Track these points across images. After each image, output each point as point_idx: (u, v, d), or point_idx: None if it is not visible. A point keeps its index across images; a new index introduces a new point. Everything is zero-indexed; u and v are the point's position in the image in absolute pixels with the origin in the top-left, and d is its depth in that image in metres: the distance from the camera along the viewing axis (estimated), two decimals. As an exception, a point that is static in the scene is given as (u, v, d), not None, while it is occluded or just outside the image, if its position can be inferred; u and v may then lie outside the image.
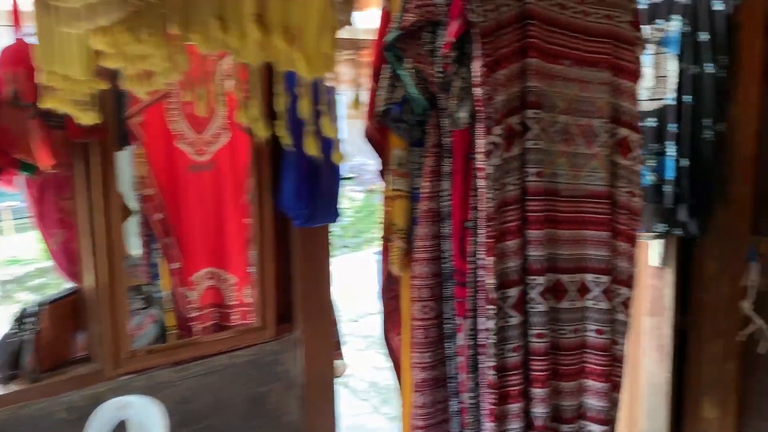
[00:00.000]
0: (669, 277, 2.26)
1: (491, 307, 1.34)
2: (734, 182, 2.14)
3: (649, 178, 2.15)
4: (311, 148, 1.14)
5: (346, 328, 4.73)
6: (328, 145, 1.73)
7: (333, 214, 2.18)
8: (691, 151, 2.08)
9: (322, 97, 1.18)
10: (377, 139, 1.50)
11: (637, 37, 1.47)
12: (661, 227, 2.17)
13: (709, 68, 2.03)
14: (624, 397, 2.41)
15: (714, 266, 2.22)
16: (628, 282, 1.54)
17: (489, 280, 1.34)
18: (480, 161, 1.32)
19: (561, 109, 1.41)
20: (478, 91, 1.29)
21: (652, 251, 2.29)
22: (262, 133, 1.20)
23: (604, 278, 1.49)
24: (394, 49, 1.35)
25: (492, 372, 1.34)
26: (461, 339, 1.41)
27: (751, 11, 2.05)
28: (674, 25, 2.07)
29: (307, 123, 1.13)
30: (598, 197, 1.48)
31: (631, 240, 1.53)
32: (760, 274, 2.17)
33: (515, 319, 1.38)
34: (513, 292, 1.37)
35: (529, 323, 1.40)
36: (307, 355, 2.25)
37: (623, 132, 1.50)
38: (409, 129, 1.44)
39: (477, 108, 1.31)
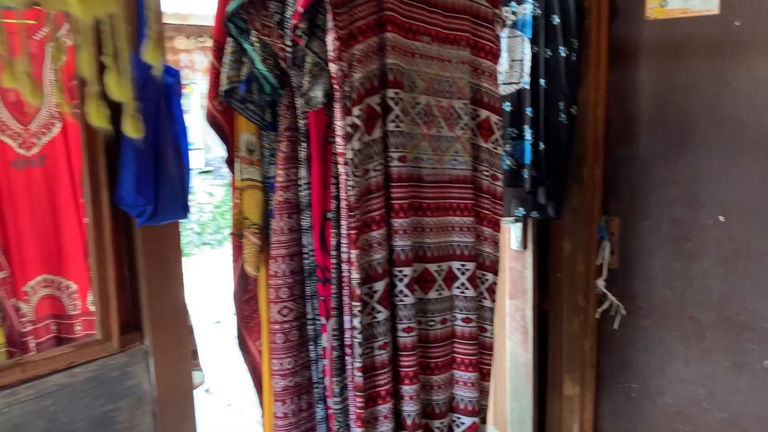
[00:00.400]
0: (528, 259, 2.29)
1: (357, 304, 1.23)
2: (586, 164, 2.20)
3: (507, 163, 2.15)
4: (130, 128, 0.96)
5: (208, 330, 4.47)
6: (174, 130, 1.54)
7: (182, 209, 1.96)
8: (547, 134, 2.10)
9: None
10: (221, 122, 1.34)
11: (495, 15, 1.43)
12: (520, 211, 2.19)
13: (562, 52, 2.05)
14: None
15: (570, 246, 2.28)
16: (493, 267, 1.50)
17: (354, 274, 1.23)
18: (339, 145, 1.20)
19: (422, 89, 1.32)
20: (333, 68, 1.17)
21: (512, 235, 2.31)
22: (93, 115, 1.00)
23: (470, 265, 1.43)
24: (236, 19, 1.19)
25: (359, 374, 1.24)
26: (325, 340, 1.30)
27: (597, -4, 2.11)
28: (527, 8, 2.08)
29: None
30: (462, 182, 1.42)
31: (495, 225, 1.49)
32: (611, 252, 2.26)
33: (382, 315, 1.28)
34: (379, 285, 1.27)
35: (397, 317, 1.32)
36: (160, 366, 2.03)
37: (484, 114, 1.45)
38: (258, 111, 1.30)
39: (333, 86, 1.19)
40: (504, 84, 2.13)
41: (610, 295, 2.25)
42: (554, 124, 2.10)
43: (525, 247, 2.31)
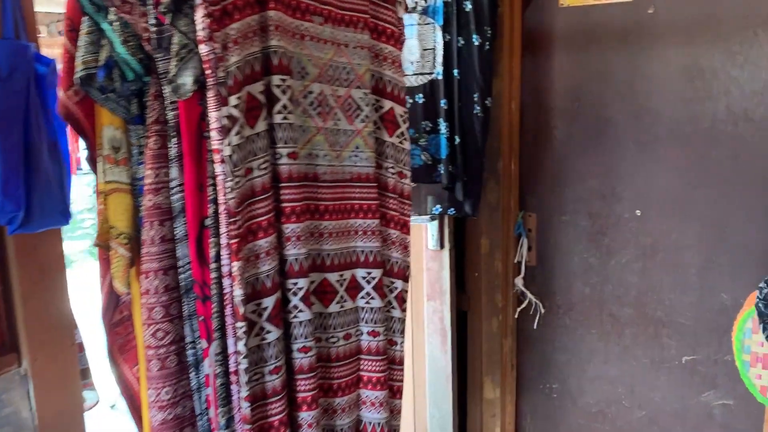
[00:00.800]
0: (446, 259, 2.18)
1: (241, 324, 1.07)
2: (502, 158, 2.11)
3: (422, 158, 2.03)
4: None
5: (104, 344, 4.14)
6: (50, 125, 1.32)
7: (61, 214, 1.72)
8: (463, 127, 1.99)
9: None
10: (78, 115, 1.14)
11: (397, -5, 1.28)
12: (437, 208, 2.07)
13: (475, 40, 1.94)
14: (408, 387, 2.33)
15: (487, 244, 2.19)
16: (402, 274, 1.36)
17: (237, 290, 1.06)
18: (215, 141, 1.03)
19: (314, 77, 1.17)
20: (204, 49, 1.00)
21: (428, 234, 2.19)
22: None
23: (376, 272, 1.29)
24: (88, -8, 1.00)
25: (246, 404, 1.07)
26: (208, 366, 1.12)
27: (510, -18, 2.01)
28: (438, -6, 1.95)
29: None
30: (365, 181, 1.27)
31: (403, 227, 1.35)
32: (529, 248, 2.18)
33: (273, 335, 1.12)
34: (269, 301, 1.11)
35: (292, 336, 1.16)
36: (41, 391, 1.79)
37: (388, 105, 1.31)
38: (122, 101, 1.11)
39: (205, 72, 1.01)
40: (416, 74, 2.01)
41: (528, 293, 2.17)
42: (469, 116, 1.99)
43: (442, 246, 2.20)
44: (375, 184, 1.29)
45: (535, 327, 2.19)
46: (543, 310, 2.18)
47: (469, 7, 1.93)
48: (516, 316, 2.21)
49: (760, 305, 1.44)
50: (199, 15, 0.99)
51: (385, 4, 1.28)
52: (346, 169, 1.24)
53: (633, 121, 1.94)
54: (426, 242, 2.21)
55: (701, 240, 1.88)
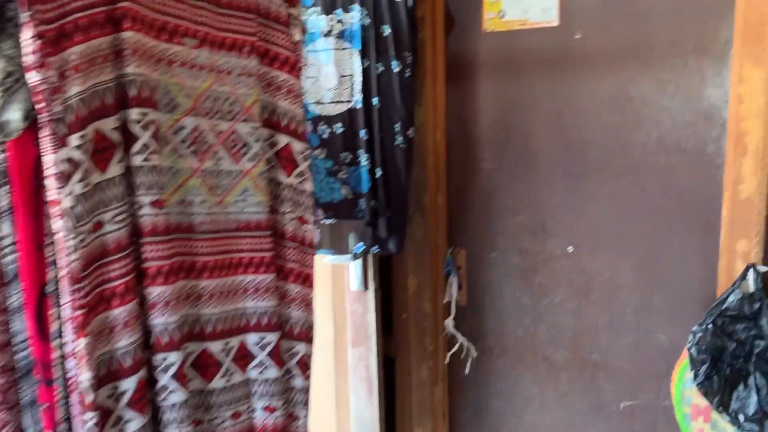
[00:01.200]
0: (371, 301, 2.01)
1: (91, 415, 0.86)
2: (428, 192, 1.96)
3: (342, 192, 1.87)
4: None
5: None
6: None
7: None
8: (385, 159, 1.84)
9: None
10: None
11: (291, 16, 1.12)
12: (359, 246, 1.90)
13: (395, 66, 1.80)
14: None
15: (415, 284, 2.03)
16: (306, 335, 1.18)
17: (84, 373, 0.86)
18: (52, 190, 0.83)
19: (187, 109, 0.98)
20: (34, 78, 0.80)
21: (351, 274, 2.02)
22: None
23: (272, 336, 1.11)
24: None
25: None
26: (53, 466, 0.91)
27: (432, 5, 1.88)
28: (354, 17, 1.81)
29: None
30: (255, 229, 1.09)
31: (306, 280, 1.17)
32: (459, 287, 2.03)
33: (136, 423, 0.91)
34: (129, 383, 0.91)
35: (162, 423, 0.96)
36: None
37: (283, 140, 1.13)
38: (-59, 141, 0.89)
39: (37, 105, 0.82)
40: (334, 102, 1.85)
41: (459, 335, 2.02)
42: (391, 147, 1.84)
43: (366, 287, 2.02)
44: (269, 233, 1.11)
45: (467, 372, 2.04)
46: (475, 354, 2.02)
47: (387, 31, 1.79)
48: (447, 360, 2.05)
49: (693, 351, 1.32)
50: (27, 36, 0.79)
51: (277, 26, 1.11)
52: (232, 217, 1.06)
53: (562, 153, 1.83)
54: (349, 283, 2.04)
55: (636, 278, 1.78)
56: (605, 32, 1.72)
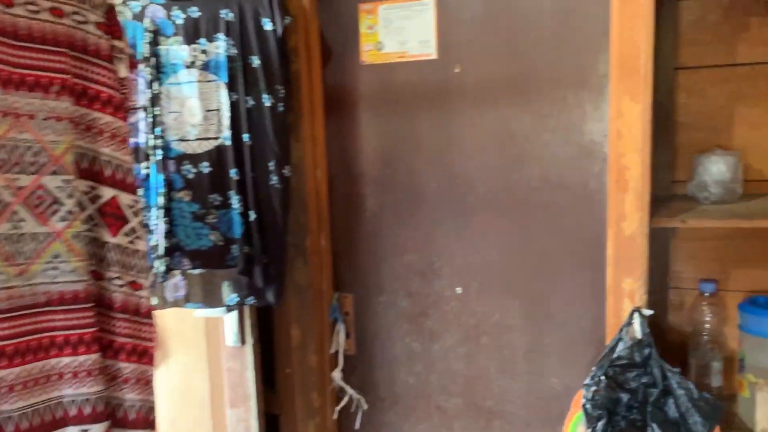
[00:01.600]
0: (249, 356, 1.83)
1: None
2: (310, 234, 1.82)
3: (211, 238, 1.69)
4: None
5: None
6: None
7: None
8: (259, 201, 1.69)
9: None
10: None
11: (115, 49, 0.95)
12: (232, 298, 1.73)
13: (267, 100, 1.66)
14: None
15: (299, 334, 1.87)
16: (145, 420, 1.00)
17: None
18: None
19: (-32, 163, 0.80)
20: None
21: (226, 328, 1.83)
22: None
23: (97, 428, 0.92)
24: None
25: None
26: None
27: (305, 35, 1.76)
28: (219, 46, 1.66)
29: None
30: (71, 302, 0.91)
31: (143, 356, 1.00)
32: (346, 335, 1.89)
33: None
34: None
35: None
36: None
37: (108, 193, 0.96)
38: None
39: None
40: (200, 139, 1.68)
41: (348, 388, 1.88)
42: (266, 188, 1.70)
43: (244, 341, 1.85)
44: (90, 305, 0.93)
45: (357, 427, 1.89)
46: (365, 406, 1.89)
47: (257, 62, 1.65)
48: (335, 416, 1.90)
49: (588, 406, 1.24)
50: None
51: (97, 60, 0.94)
52: (39, 289, 0.88)
53: (448, 190, 1.74)
54: (224, 338, 1.85)
55: (526, 319, 1.71)
56: (484, 66, 1.66)
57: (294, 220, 1.79)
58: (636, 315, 1.29)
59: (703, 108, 1.59)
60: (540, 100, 1.62)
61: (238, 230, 1.68)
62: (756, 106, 1.56)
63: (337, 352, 1.88)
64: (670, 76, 1.61)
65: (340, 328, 1.89)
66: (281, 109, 1.69)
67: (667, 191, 1.66)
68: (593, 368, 1.30)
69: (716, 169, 1.43)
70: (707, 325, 1.52)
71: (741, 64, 1.53)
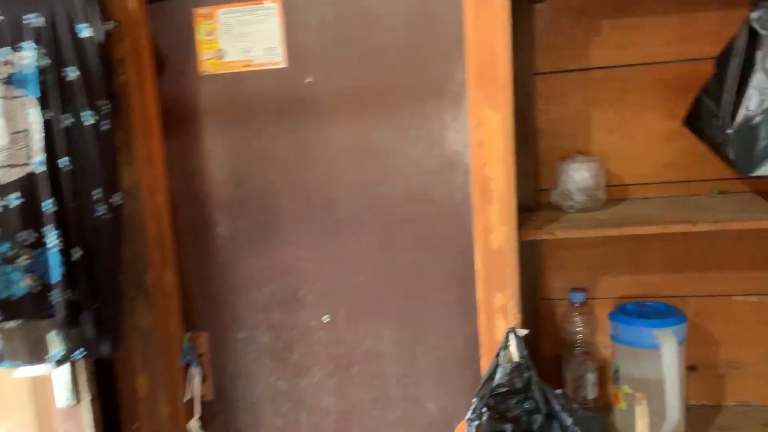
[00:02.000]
0: (86, 415, 1.57)
1: None
2: (152, 269, 1.59)
3: (26, 283, 1.42)
4: None
5: None
6: None
7: None
8: (83, 236, 1.44)
9: None
10: None
11: None
12: (57, 353, 1.46)
13: (88, 118, 1.43)
14: None
15: (146, 384, 1.63)
16: None
17: None
18: None
19: None
20: None
21: (56, 387, 1.56)
22: None
23: None
24: None
25: None
26: None
27: (134, 42, 1.54)
28: (28, 56, 1.40)
29: None
30: None
31: None
32: (203, 379, 1.68)
33: None
34: None
35: None
36: None
37: None
38: None
39: None
40: (6, 167, 1.41)
41: (211, 438, 1.67)
42: (91, 220, 1.45)
43: (78, 399, 1.58)
44: None
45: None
46: (230, 457, 1.69)
47: (73, 74, 1.42)
48: (196, 472, 1.68)
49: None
50: None
51: None
52: None
53: (306, 210, 1.59)
54: (54, 399, 1.57)
55: (398, 344, 1.59)
56: (338, 75, 1.53)
57: (130, 255, 1.56)
58: (512, 336, 1.21)
59: (562, 114, 1.57)
60: (399, 111, 1.51)
61: (57, 272, 1.42)
62: (610, 110, 1.56)
63: (192, 398, 1.67)
64: (528, 83, 1.57)
65: (195, 372, 1.67)
66: (106, 127, 1.46)
67: (532, 200, 1.62)
68: (474, 399, 1.21)
69: (579, 176, 1.40)
70: (579, 336, 1.49)
71: (595, 68, 1.52)
